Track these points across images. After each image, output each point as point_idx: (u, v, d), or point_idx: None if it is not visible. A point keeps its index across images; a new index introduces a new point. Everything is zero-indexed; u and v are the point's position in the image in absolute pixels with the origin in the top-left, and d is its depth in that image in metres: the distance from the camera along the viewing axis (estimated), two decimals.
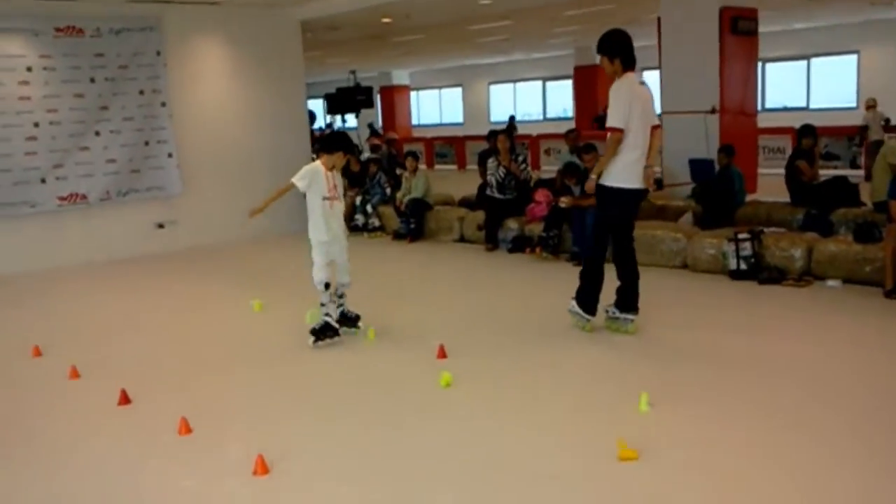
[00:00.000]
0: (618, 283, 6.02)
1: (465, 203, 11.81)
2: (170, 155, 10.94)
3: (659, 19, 11.77)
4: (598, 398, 4.83)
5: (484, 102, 31.52)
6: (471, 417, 4.61)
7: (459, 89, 31.95)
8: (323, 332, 6.15)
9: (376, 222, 11.61)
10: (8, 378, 5.81)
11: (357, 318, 6.45)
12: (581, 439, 4.23)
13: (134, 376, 5.55)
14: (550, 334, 6.18)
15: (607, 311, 6.13)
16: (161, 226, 11.09)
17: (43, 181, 9.99)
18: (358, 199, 11.79)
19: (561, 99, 30.28)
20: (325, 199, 6.12)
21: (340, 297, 6.38)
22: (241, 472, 3.99)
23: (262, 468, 3.97)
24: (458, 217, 10.80)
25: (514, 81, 30.41)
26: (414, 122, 33.22)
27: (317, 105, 18.29)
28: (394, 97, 31.49)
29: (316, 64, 22.43)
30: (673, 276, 8.04)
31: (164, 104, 10.82)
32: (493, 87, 31.29)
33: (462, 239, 10.67)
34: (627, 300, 6.01)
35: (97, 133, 10.33)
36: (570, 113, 26.60)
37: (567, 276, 8.34)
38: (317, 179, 6.07)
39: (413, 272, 9.15)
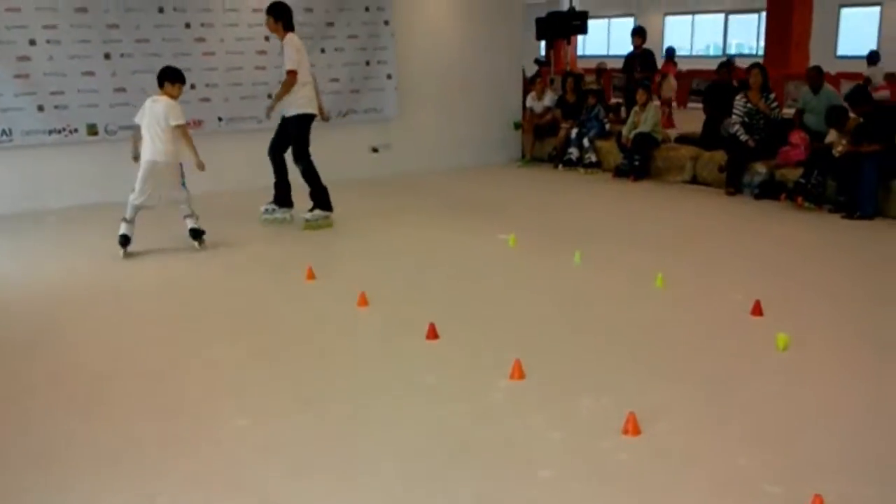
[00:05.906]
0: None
1: (682, 140, 11.06)
2: (389, 76, 10.64)
3: None
4: None
5: (657, 35, 29.95)
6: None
7: (631, 19, 30.45)
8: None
9: (593, 157, 10.99)
10: (302, 301, 5.69)
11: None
12: None
13: (430, 307, 5.29)
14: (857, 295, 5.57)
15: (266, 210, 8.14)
16: (375, 150, 10.85)
17: (269, 97, 9.82)
18: (573, 132, 11.22)
19: (741, 34, 28.49)
20: None
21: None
22: (609, 429, 3.64)
23: (634, 428, 3.60)
24: (690, 156, 10.07)
25: (693, 13, 28.74)
26: (579, 52, 31.98)
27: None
28: None
29: None
30: None
31: (387, 23, 10.49)
32: (668, 19, 29.69)
33: (694, 180, 9.97)
34: (285, 198, 8.10)
35: (322, 50, 10.10)
36: (757, 50, 24.85)
37: (834, 229, 7.61)
38: None
39: (652, 214, 8.56)
